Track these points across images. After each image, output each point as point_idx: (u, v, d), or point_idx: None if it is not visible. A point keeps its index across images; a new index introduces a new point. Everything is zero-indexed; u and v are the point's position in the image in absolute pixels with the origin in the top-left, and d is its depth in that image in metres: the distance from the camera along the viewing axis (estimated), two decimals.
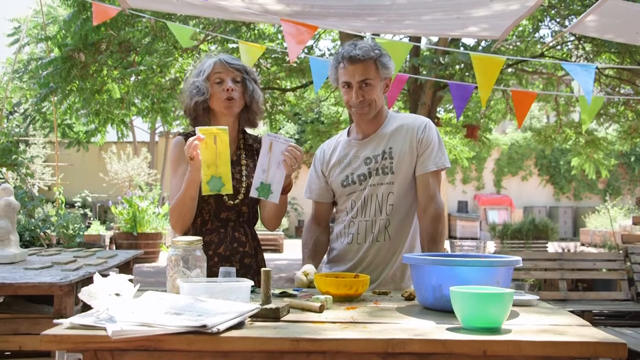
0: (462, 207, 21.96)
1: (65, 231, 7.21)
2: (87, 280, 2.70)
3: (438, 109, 10.06)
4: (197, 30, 7.94)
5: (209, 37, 8.91)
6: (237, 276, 2.03)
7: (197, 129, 2.17)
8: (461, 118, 11.43)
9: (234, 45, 8.49)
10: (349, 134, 2.62)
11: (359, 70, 2.38)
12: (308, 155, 20.57)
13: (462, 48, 8.52)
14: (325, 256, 2.64)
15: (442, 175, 2.56)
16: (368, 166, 2.48)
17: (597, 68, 7.70)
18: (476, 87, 5.33)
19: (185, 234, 2.38)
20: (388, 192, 2.44)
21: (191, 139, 2.15)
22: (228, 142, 2.16)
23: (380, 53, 2.41)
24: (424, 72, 7.69)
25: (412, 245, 2.49)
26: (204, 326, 1.43)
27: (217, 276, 1.99)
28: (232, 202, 2.38)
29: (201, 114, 2.41)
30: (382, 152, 2.47)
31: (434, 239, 2.39)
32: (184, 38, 4.70)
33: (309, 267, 2.33)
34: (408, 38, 8.22)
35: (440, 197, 2.47)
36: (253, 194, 2.24)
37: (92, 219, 14.63)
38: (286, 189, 2.31)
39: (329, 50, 11.60)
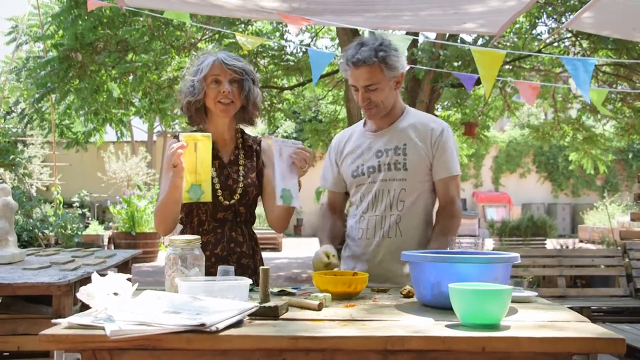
0: (461, 204, 21.96)
1: (63, 231, 7.21)
2: (86, 280, 2.70)
3: (436, 106, 10.06)
4: (194, 24, 7.92)
5: (206, 36, 8.90)
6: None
7: (181, 135, 2.16)
8: (459, 116, 11.44)
9: (232, 40, 8.49)
10: (365, 124, 2.60)
11: (364, 75, 2.36)
12: None
13: (460, 43, 8.52)
14: (342, 252, 2.62)
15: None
16: (379, 159, 2.47)
17: (595, 64, 7.70)
18: (476, 82, 5.36)
19: (183, 234, 2.38)
20: (400, 188, 2.44)
21: (173, 145, 2.12)
22: (211, 149, 2.14)
23: (385, 54, 2.36)
24: (421, 65, 7.68)
25: (425, 244, 2.47)
26: (203, 325, 1.43)
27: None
28: (228, 202, 2.37)
29: (194, 113, 2.40)
30: (395, 147, 2.46)
31: (444, 232, 2.38)
32: (183, 17, 4.74)
33: (330, 248, 2.32)
34: (405, 33, 8.22)
35: (459, 202, 2.48)
36: (279, 202, 2.21)
37: (90, 218, 14.62)
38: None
39: (327, 48, 11.59)
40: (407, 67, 2.50)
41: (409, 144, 2.45)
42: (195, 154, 2.13)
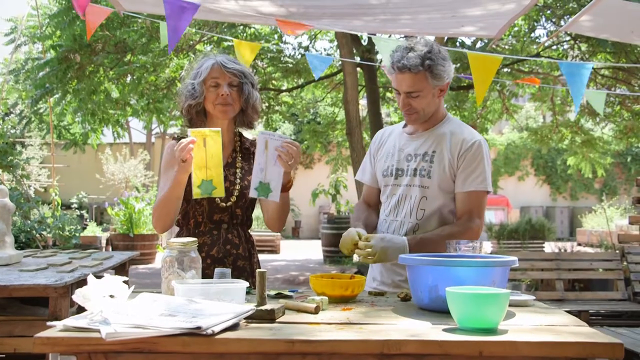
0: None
1: (61, 233, 7.19)
2: (82, 282, 2.69)
3: None
4: (193, 30, 7.92)
5: (205, 38, 8.90)
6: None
7: (189, 130, 2.15)
8: (458, 118, 11.44)
9: (230, 44, 8.50)
10: (404, 125, 2.57)
11: (407, 81, 2.31)
12: (304, 156, 20.49)
13: (458, 46, 8.53)
14: None
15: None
16: (408, 163, 2.44)
17: (593, 67, 7.70)
18: (473, 86, 5.37)
19: (179, 235, 2.37)
20: (422, 196, 2.39)
21: (183, 140, 2.12)
22: (221, 144, 2.13)
23: (432, 63, 2.28)
24: None
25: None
26: (199, 328, 1.42)
27: (210, 278, 1.98)
28: (224, 204, 2.37)
29: (195, 116, 2.40)
30: (424, 153, 2.42)
31: (450, 235, 2.27)
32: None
33: (363, 231, 2.29)
34: (403, 37, 8.23)
35: (478, 220, 2.37)
36: (252, 194, 2.21)
37: (88, 220, 14.58)
38: (286, 186, 2.29)
39: (325, 50, 11.60)
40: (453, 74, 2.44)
41: (438, 152, 2.40)
42: (205, 149, 2.12)
